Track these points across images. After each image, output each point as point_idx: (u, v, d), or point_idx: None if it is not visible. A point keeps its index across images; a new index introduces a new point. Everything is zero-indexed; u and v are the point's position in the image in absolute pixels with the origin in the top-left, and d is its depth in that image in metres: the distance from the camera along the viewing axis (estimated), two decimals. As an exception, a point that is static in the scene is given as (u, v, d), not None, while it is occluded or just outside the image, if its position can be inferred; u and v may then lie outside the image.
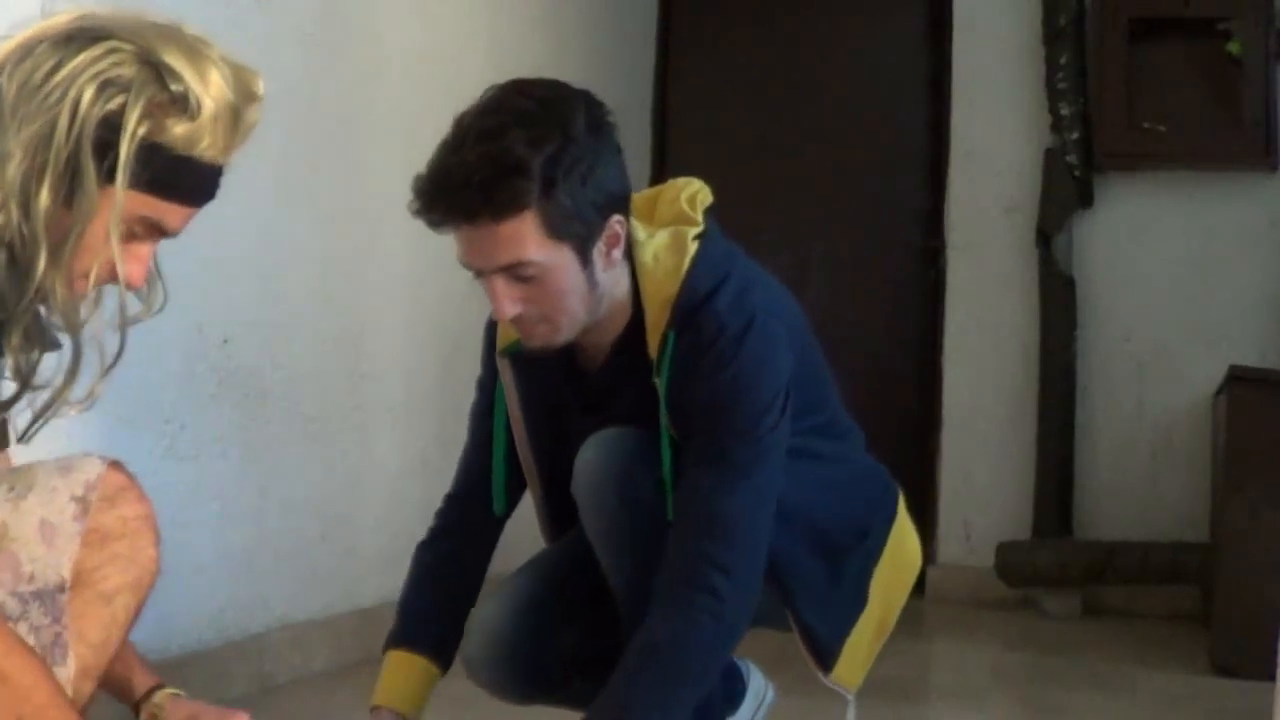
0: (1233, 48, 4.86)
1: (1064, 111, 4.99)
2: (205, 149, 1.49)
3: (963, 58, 5.22)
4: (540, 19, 4.52)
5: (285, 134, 3.29)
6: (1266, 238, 4.94)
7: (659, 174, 5.27)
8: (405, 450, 3.80)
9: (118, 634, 1.59)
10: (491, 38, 4.10)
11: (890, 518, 2.18)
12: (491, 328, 2.12)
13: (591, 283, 1.89)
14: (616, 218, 1.89)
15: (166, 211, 1.51)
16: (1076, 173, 4.98)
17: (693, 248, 1.95)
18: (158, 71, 1.46)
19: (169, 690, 1.78)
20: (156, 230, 1.52)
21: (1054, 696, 3.58)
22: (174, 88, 1.46)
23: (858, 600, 2.09)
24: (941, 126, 5.26)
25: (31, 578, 1.51)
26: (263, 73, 1.57)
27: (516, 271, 1.83)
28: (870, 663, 2.14)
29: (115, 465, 1.59)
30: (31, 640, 1.50)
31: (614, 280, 1.94)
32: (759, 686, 2.29)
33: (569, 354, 2.05)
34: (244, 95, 1.52)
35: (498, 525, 2.16)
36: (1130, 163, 5.02)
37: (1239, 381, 3.96)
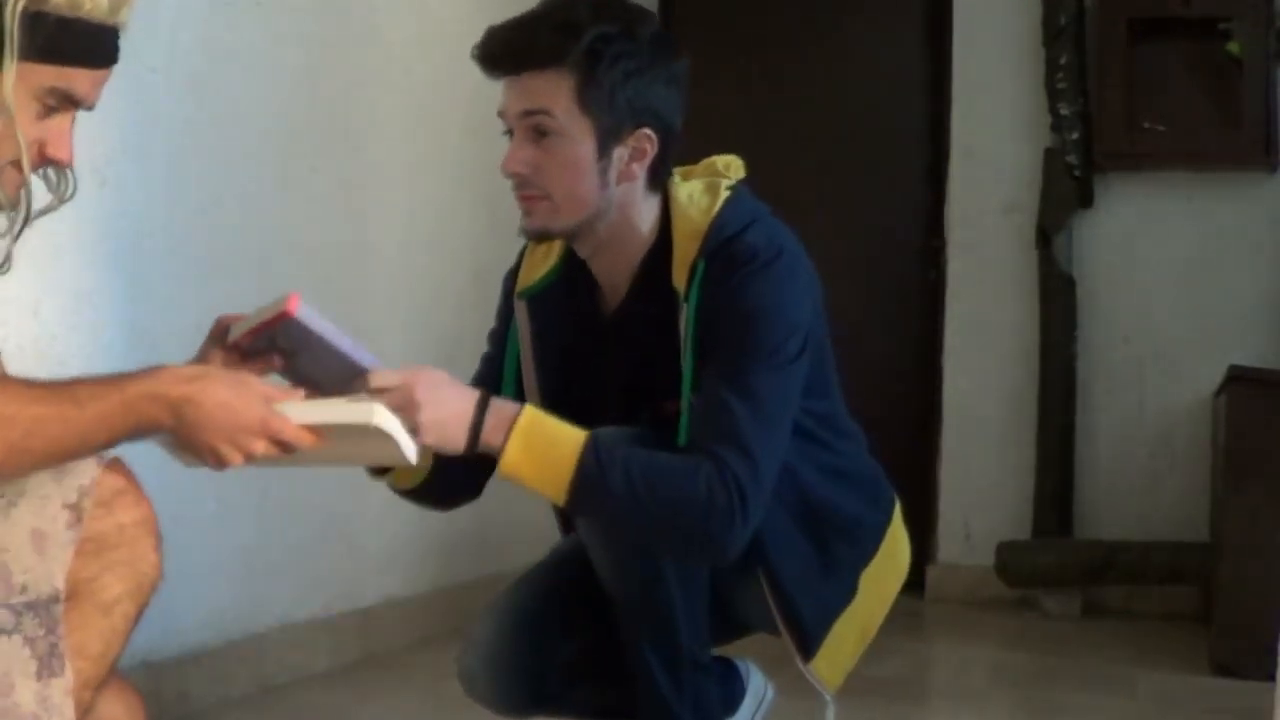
0: (1233, 48, 4.86)
1: (1064, 111, 4.99)
2: (91, 10, 1.48)
3: (963, 58, 5.21)
4: (540, 19, 4.52)
5: (285, 133, 3.29)
6: (1266, 238, 4.94)
7: (659, 174, 5.26)
8: (405, 450, 3.79)
9: (118, 644, 1.56)
10: (491, 37, 4.10)
11: (886, 520, 2.16)
12: (510, 277, 2.13)
13: (603, 180, 1.92)
14: (647, 131, 1.93)
15: (70, 77, 1.50)
16: (1076, 173, 4.98)
17: (725, 193, 2.00)
18: None
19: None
20: (69, 100, 1.52)
21: (1054, 696, 3.58)
22: None
23: (846, 590, 2.07)
24: (941, 126, 5.26)
25: (24, 589, 1.47)
26: None
27: (537, 123, 1.89)
28: (851, 665, 2.12)
29: (112, 466, 1.55)
30: (26, 652, 1.47)
31: (629, 197, 1.96)
32: (759, 686, 2.29)
33: (587, 295, 2.05)
34: None
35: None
36: (1130, 163, 5.02)
37: (1239, 381, 3.96)
